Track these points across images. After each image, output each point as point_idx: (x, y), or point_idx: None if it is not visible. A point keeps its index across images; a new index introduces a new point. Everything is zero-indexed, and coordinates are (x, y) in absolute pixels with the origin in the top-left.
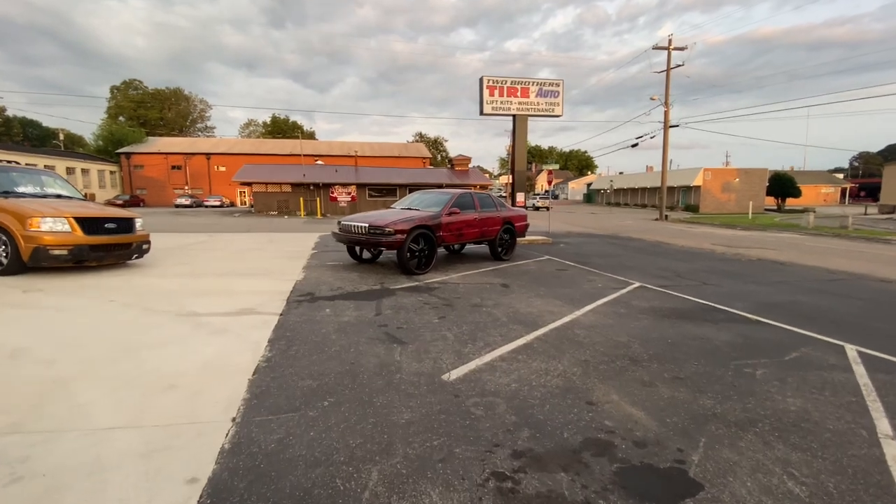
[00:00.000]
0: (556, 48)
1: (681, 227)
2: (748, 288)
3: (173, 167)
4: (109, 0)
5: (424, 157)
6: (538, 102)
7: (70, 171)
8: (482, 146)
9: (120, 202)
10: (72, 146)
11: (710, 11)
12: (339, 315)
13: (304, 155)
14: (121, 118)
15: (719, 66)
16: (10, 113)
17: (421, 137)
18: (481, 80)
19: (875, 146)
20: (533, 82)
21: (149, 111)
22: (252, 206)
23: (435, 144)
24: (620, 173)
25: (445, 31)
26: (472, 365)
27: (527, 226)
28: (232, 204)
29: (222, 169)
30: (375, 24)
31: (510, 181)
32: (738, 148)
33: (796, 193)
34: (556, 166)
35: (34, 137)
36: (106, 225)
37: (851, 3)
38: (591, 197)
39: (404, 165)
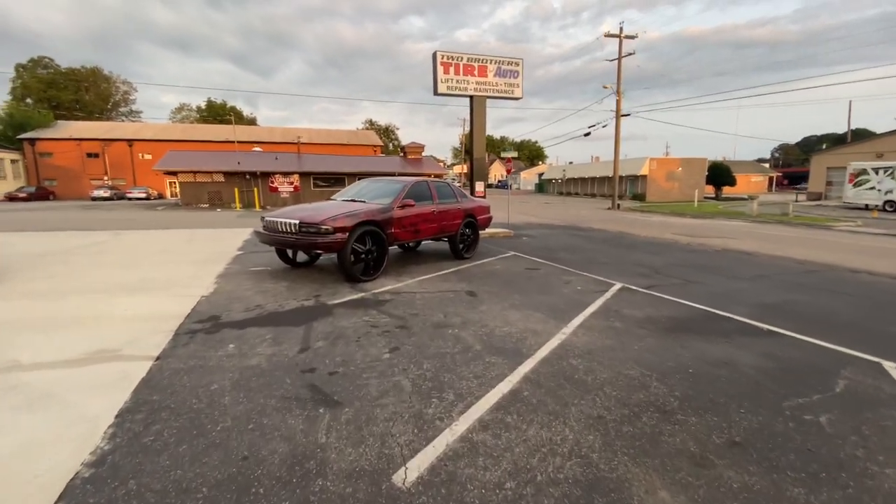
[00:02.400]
0: (506, 39)
1: (635, 216)
2: (734, 285)
3: (89, 155)
4: None
5: (375, 145)
6: (497, 83)
7: None
8: (434, 136)
9: (24, 195)
10: None
11: (646, 10)
12: (245, 355)
13: (240, 142)
14: (28, 100)
15: (655, 61)
16: None
17: (371, 125)
18: (435, 55)
19: (793, 138)
20: (491, 60)
21: (61, 92)
22: (179, 199)
23: (386, 133)
24: (570, 163)
25: (394, 17)
26: (440, 445)
27: (490, 219)
28: (160, 196)
29: (148, 157)
30: (321, 7)
31: (465, 170)
32: (674, 140)
33: (732, 182)
34: (515, 154)
35: None
36: None
37: (771, 5)
38: (542, 187)
39: (354, 153)
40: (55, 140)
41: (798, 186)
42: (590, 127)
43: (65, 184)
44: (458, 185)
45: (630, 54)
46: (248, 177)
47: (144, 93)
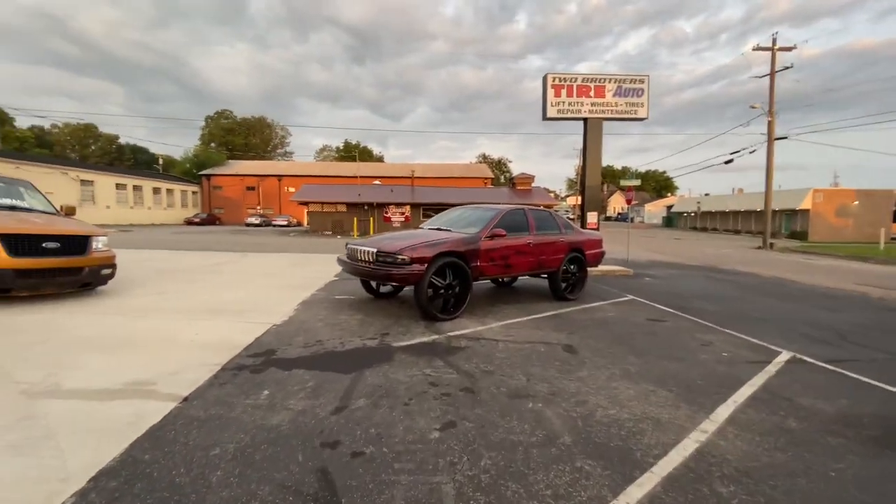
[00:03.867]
0: (629, 69)
1: (796, 259)
2: None
3: (248, 188)
4: (220, 46)
5: (486, 178)
6: (616, 103)
7: (157, 191)
8: (549, 169)
9: (198, 220)
10: (169, 169)
11: (802, 24)
12: (274, 407)
13: (363, 176)
14: (212, 144)
15: (815, 79)
16: (122, 141)
17: (484, 158)
18: (545, 78)
19: None
20: (609, 79)
21: (235, 137)
22: (308, 226)
23: (498, 165)
24: (706, 195)
25: (514, 58)
26: None
27: (602, 254)
28: (299, 223)
29: (291, 190)
30: (447, 56)
31: (579, 202)
32: (844, 171)
33: None
34: (637, 182)
35: (141, 162)
36: (44, 244)
37: None
38: (671, 221)
39: (465, 186)
40: (224, 176)
41: None
42: (732, 153)
43: (229, 211)
44: (569, 216)
45: (787, 68)
46: (366, 207)
47: (299, 137)
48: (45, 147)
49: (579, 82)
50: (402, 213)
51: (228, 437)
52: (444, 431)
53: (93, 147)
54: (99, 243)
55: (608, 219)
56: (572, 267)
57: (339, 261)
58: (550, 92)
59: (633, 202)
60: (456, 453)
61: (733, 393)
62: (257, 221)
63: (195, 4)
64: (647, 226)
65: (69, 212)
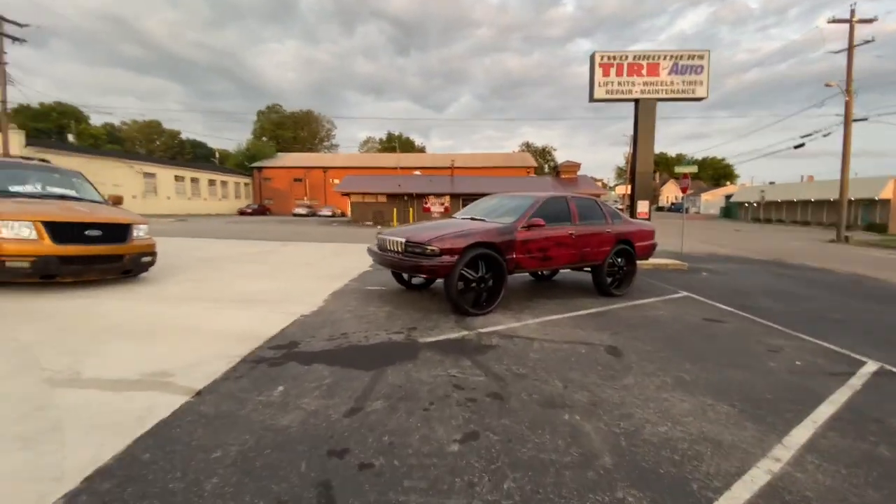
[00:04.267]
0: (686, 49)
1: (875, 254)
2: None
3: (295, 180)
4: (272, 42)
5: (528, 167)
6: (671, 82)
7: (212, 182)
8: (596, 157)
9: (249, 210)
10: (225, 162)
11: None
12: (286, 406)
13: (404, 167)
14: (263, 138)
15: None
16: (183, 136)
17: (527, 147)
18: (592, 56)
19: None
20: (664, 56)
21: (285, 131)
22: (350, 216)
23: (542, 154)
24: (771, 183)
25: (561, 42)
26: None
27: (653, 246)
28: (343, 214)
29: (336, 181)
30: (491, 43)
31: (628, 191)
32: None
33: None
34: (694, 168)
35: (200, 156)
36: (86, 232)
37: None
38: (730, 211)
39: (507, 175)
40: (273, 168)
41: None
42: (803, 137)
43: (277, 202)
44: (617, 206)
45: (867, 42)
46: (405, 198)
47: (345, 129)
48: (115, 143)
49: (630, 60)
50: (442, 204)
51: (233, 439)
52: (464, 444)
53: (157, 142)
54: (140, 231)
55: (660, 209)
56: (619, 260)
57: (370, 251)
58: (598, 71)
59: (689, 191)
60: (476, 472)
61: (811, 411)
62: (304, 212)
63: (249, 4)
64: (703, 216)
65: (116, 201)
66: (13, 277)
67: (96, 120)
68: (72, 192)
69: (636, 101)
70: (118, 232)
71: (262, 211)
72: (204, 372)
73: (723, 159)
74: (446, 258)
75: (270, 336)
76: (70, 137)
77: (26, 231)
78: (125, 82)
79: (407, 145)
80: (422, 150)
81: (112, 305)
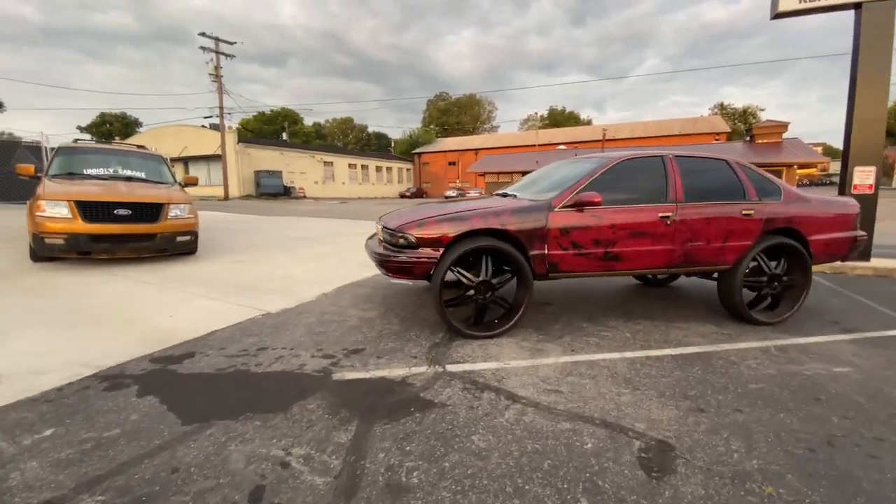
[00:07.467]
0: None
1: None
2: None
3: (449, 163)
4: (449, 35)
5: (717, 133)
6: None
7: (379, 169)
8: (832, 118)
9: (409, 193)
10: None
11: None
12: (20, 460)
13: (540, 145)
14: (431, 126)
15: None
16: (371, 129)
17: (722, 109)
18: None
19: None
20: None
21: (450, 118)
22: None
23: (743, 117)
24: None
25: None
26: None
27: (853, 242)
28: None
29: None
30: None
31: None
32: None
33: None
34: None
35: (382, 146)
36: (116, 211)
37: None
38: None
39: (688, 143)
40: (431, 153)
41: None
42: None
43: (434, 185)
44: (831, 180)
45: None
46: None
47: (511, 111)
48: (321, 139)
49: None
50: None
51: None
52: None
53: (350, 136)
54: (178, 211)
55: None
56: (773, 264)
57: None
58: None
59: None
60: None
61: None
62: (454, 194)
63: (429, 3)
64: None
65: (189, 181)
66: (53, 253)
67: (308, 121)
68: (140, 174)
69: (857, 5)
70: (149, 211)
71: (419, 194)
72: (47, 381)
73: None
74: (426, 252)
75: (183, 341)
76: (284, 136)
77: (63, 210)
78: (338, 87)
79: (571, 120)
80: (588, 123)
81: (103, 288)
